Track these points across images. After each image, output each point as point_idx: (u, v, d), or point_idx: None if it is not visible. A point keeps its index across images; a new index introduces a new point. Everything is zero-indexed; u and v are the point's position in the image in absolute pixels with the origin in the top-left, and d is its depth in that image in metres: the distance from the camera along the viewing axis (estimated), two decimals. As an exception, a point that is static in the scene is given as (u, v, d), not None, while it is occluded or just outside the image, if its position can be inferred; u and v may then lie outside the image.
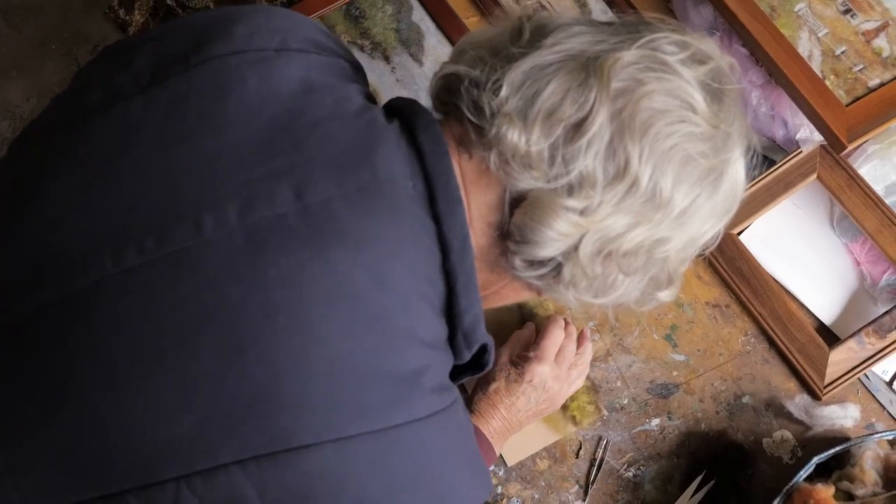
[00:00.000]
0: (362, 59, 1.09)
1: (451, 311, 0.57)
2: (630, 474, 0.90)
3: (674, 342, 0.95)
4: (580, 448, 0.91)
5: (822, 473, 0.84)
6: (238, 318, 0.50)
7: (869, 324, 0.92)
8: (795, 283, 0.97)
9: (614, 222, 0.54)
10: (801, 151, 0.97)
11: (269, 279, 0.51)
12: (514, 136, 0.54)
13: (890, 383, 0.92)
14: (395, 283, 0.53)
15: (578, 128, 0.53)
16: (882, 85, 0.95)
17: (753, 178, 0.98)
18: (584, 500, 0.89)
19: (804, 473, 0.81)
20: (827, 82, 0.95)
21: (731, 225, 0.97)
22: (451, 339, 0.58)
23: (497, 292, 0.63)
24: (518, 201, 0.56)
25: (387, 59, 1.09)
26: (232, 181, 0.53)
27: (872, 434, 0.83)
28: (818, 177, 0.97)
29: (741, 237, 0.98)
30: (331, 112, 0.57)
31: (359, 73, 0.68)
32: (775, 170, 0.98)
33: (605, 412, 0.92)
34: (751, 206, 0.98)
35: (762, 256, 0.97)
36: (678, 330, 0.96)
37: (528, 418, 0.85)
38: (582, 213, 0.54)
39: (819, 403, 0.91)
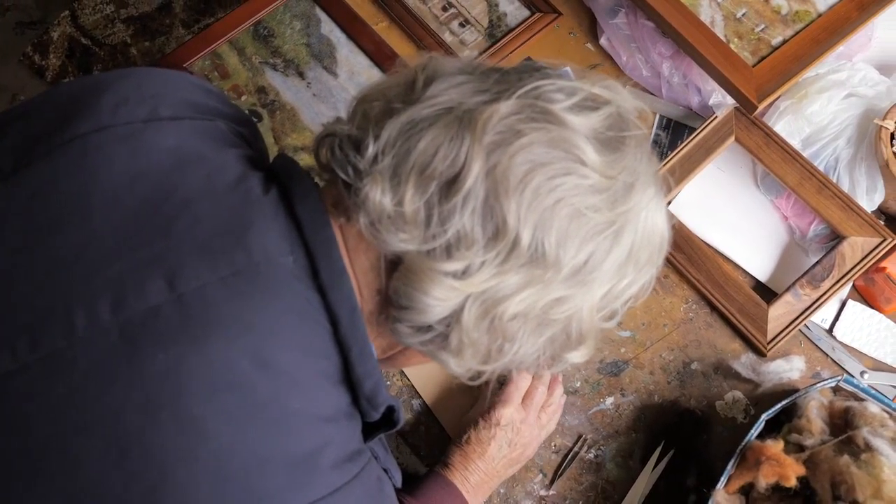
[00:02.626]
0: (276, 78, 1.08)
1: (350, 379, 0.56)
2: (591, 455, 0.91)
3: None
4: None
5: (774, 428, 0.85)
6: (118, 420, 0.49)
7: (802, 276, 0.93)
8: (728, 246, 0.98)
9: (498, 284, 0.51)
10: (716, 116, 0.99)
11: (147, 376, 0.49)
12: (377, 196, 0.51)
13: (830, 331, 0.94)
14: (281, 366, 0.52)
15: (451, 185, 0.50)
16: (785, 42, 0.97)
17: (675, 147, 1.00)
18: (548, 489, 0.89)
19: (755, 432, 0.82)
20: (732, 46, 0.96)
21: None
22: (357, 403, 0.57)
23: (402, 353, 0.62)
24: (395, 264, 0.54)
25: (301, 75, 1.08)
26: (102, 274, 0.51)
27: (814, 384, 0.85)
28: (736, 139, 0.98)
29: (670, 207, 0.99)
30: (202, 189, 0.55)
31: (244, 128, 0.66)
32: (694, 137, 0.99)
33: (559, 398, 0.93)
34: (676, 176, 0.99)
35: (693, 224, 0.98)
36: (621, 307, 0.97)
37: (503, 467, 0.84)
38: (462, 275, 0.51)
39: (765, 360, 0.92)
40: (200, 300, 0.51)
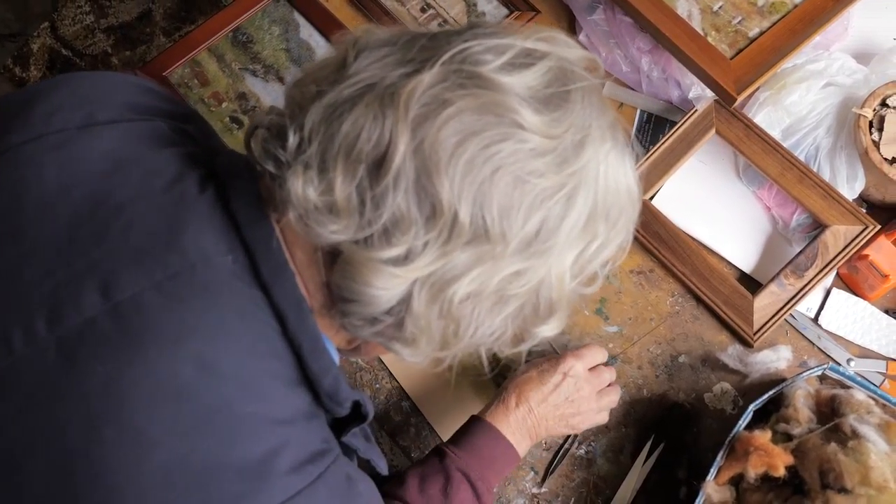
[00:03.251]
0: (256, 83, 1.08)
1: (308, 377, 0.55)
2: (582, 452, 0.91)
3: (605, 315, 0.96)
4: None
5: (762, 418, 0.85)
6: (63, 438, 0.48)
7: (786, 265, 0.94)
8: (712, 238, 0.99)
9: (445, 265, 0.49)
10: (696, 110, 0.99)
11: (88, 391, 0.48)
12: (299, 188, 0.49)
13: (815, 319, 0.95)
14: (228, 369, 0.50)
15: (379, 166, 0.48)
16: (762, 34, 0.97)
17: (657, 142, 1.00)
18: (540, 487, 0.89)
19: (743, 423, 0.82)
20: (709, 39, 0.97)
21: (642, 191, 0.99)
22: (320, 401, 0.56)
23: (366, 344, 0.60)
24: (334, 257, 0.52)
25: (281, 80, 1.08)
26: (37, 290, 0.50)
27: (800, 374, 0.85)
28: (717, 131, 0.99)
29: (653, 202, 0.99)
30: (136, 192, 0.54)
31: (190, 125, 0.64)
32: (675, 131, 0.99)
33: (548, 395, 0.93)
34: (658, 170, 0.99)
35: (676, 217, 0.99)
36: (607, 302, 0.97)
37: (553, 420, 0.81)
38: (404, 260, 0.49)
39: (752, 350, 0.93)
40: (136, 308, 0.50)
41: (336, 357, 0.59)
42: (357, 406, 0.58)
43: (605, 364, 0.88)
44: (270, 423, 0.51)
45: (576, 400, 0.82)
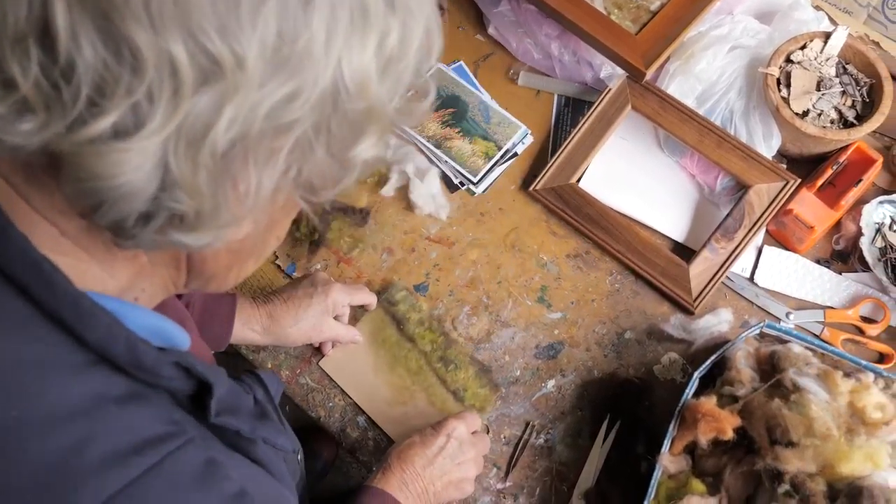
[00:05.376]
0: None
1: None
2: (541, 441, 0.91)
3: (547, 302, 0.97)
4: (487, 432, 0.91)
5: (709, 384, 0.87)
6: None
7: (716, 230, 0.95)
8: (642, 212, 1.00)
9: (186, 118, 0.39)
10: (610, 89, 1.00)
11: None
12: None
13: (751, 279, 0.97)
14: None
15: (47, 32, 0.37)
16: (663, 6, 0.98)
17: (577, 124, 1.01)
18: (504, 481, 0.90)
19: (689, 391, 0.84)
20: (612, 17, 0.98)
21: (567, 175, 1.00)
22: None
23: (202, 263, 0.51)
24: (54, 164, 0.41)
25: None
26: None
27: (738, 336, 0.87)
28: (633, 107, 1.00)
29: (581, 184, 1.00)
30: None
31: None
32: (592, 112, 1.00)
33: (502, 390, 0.93)
34: (581, 152, 1.00)
35: (605, 196, 0.99)
36: (548, 290, 0.97)
37: (442, 486, 0.80)
38: (133, 128, 0.38)
39: (694, 317, 0.94)
40: None
41: (161, 321, 0.51)
42: (190, 372, 0.49)
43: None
44: (56, 419, 0.43)
45: (463, 463, 0.81)
